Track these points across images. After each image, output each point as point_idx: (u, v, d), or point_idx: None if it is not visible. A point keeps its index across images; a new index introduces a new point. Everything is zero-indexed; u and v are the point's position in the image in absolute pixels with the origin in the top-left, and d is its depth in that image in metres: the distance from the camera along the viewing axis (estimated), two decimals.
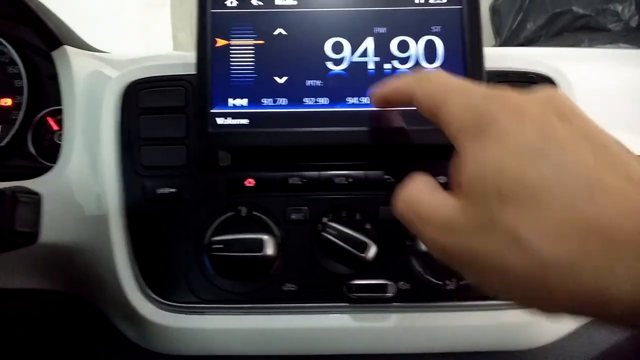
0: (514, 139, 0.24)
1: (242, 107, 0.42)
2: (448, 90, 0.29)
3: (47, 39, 0.47)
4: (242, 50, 0.43)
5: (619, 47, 1.72)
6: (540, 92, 0.26)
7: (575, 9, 1.95)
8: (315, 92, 0.42)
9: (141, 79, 0.44)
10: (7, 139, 0.56)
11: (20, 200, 0.32)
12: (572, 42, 1.94)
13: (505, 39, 1.98)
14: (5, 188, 0.32)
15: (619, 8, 1.83)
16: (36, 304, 0.46)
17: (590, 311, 0.21)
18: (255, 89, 0.42)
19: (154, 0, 2.51)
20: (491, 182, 0.23)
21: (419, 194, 0.28)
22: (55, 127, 0.59)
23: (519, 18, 1.98)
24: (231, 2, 0.43)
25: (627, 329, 0.41)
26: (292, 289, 0.41)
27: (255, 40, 0.43)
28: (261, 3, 0.43)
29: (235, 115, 0.42)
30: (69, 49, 0.47)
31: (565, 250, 0.21)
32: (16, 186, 0.32)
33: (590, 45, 1.84)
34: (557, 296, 0.22)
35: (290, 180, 0.42)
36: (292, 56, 0.42)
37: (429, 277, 0.41)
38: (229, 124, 0.42)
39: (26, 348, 0.46)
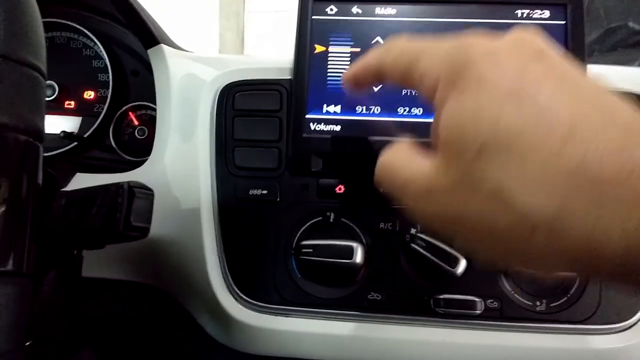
0: (489, 83, 0.22)
1: (335, 113, 0.43)
2: (417, 51, 0.27)
3: (144, 37, 0.49)
4: (339, 58, 0.43)
5: None
6: (511, 35, 0.25)
7: (631, 24, 1.89)
8: (409, 102, 0.42)
9: (237, 81, 0.45)
10: (90, 131, 0.58)
11: (137, 195, 0.32)
12: (626, 58, 1.89)
13: None
14: (122, 182, 0.33)
15: None
16: (122, 295, 0.47)
17: (581, 267, 0.20)
18: (349, 96, 0.43)
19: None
20: (468, 133, 0.22)
21: (397, 159, 0.27)
22: (136, 122, 0.60)
23: None
24: (331, 10, 0.44)
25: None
26: (377, 298, 0.41)
27: (352, 47, 0.43)
28: (360, 11, 0.43)
29: (328, 122, 0.43)
30: (165, 47, 0.49)
31: (550, 202, 0.20)
32: (132, 181, 0.33)
33: None
34: (546, 252, 0.20)
35: (381, 189, 0.42)
36: None
37: (518, 296, 0.41)
38: (323, 130, 0.42)
39: (111, 337, 0.48)
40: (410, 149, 0.27)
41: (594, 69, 0.48)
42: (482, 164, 0.21)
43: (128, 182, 0.33)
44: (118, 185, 0.32)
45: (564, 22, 0.42)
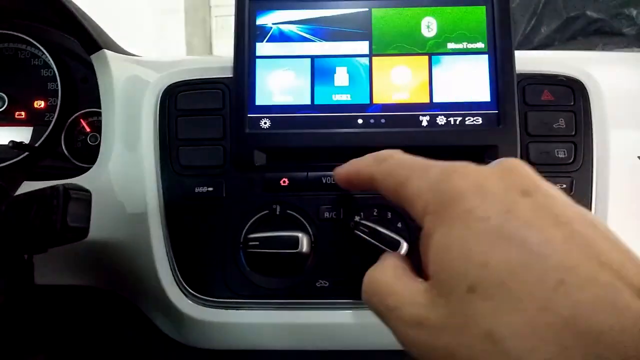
0: (478, 219, 0.22)
1: (278, 108, 0.44)
2: (407, 169, 0.28)
3: (86, 43, 0.49)
4: (279, 55, 0.44)
5: (634, 52, 1.72)
6: (500, 164, 0.25)
7: (589, 13, 1.95)
8: (343, 90, 0.44)
9: (179, 81, 0.46)
10: (40, 140, 0.58)
11: (73, 197, 0.33)
12: (586, 46, 1.94)
13: (519, 43, 1.98)
14: (58, 185, 0.33)
15: (634, 12, 1.82)
16: (74, 300, 0.47)
17: None
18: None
19: (169, 6, 2.55)
20: (458, 272, 0.22)
21: (386, 279, 0.26)
22: (87, 129, 0.60)
23: (532, 22, 1.98)
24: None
25: None
26: (325, 285, 0.43)
27: (293, 42, 0.44)
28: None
29: (270, 117, 0.44)
30: (107, 52, 0.49)
31: (544, 350, 0.19)
32: (68, 183, 0.34)
33: (604, 50, 1.84)
34: None
35: (324, 180, 0.43)
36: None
37: None
38: (264, 125, 0.43)
39: (65, 342, 0.48)
40: (399, 268, 0.27)
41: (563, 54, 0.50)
42: (472, 304, 0.21)
43: (64, 184, 0.33)
44: (54, 188, 0.33)
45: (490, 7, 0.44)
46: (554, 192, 0.23)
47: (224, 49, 2.76)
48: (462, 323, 0.21)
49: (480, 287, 0.21)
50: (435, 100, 0.43)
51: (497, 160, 0.26)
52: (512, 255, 0.21)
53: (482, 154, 0.43)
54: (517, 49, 0.45)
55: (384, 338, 0.43)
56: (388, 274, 0.27)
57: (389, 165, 0.29)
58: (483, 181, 0.24)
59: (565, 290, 0.19)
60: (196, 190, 0.43)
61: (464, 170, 0.25)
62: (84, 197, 0.34)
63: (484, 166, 0.25)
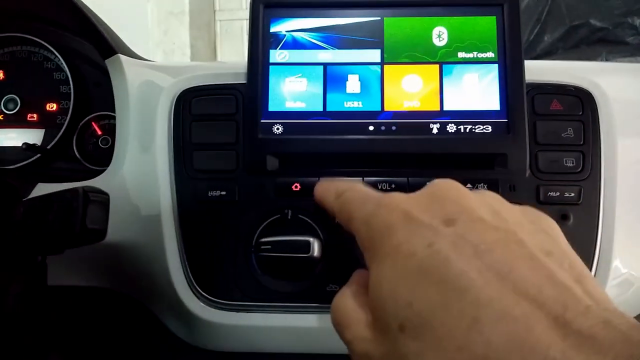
0: (404, 256, 0.23)
1: (290, 114, 0.44)
2: (352, 202, 0.29)
3: (101, 47, 0.50)
4: (292, 61, 0.45)
5: (638, 61, 1.73)
6: (429, 188, 0.26)
7: (593, 21, 1.96)
8: (355, 97, 0.45)
9: (193, 87, 0.46)
10: (52, 143, 0.59)
11: (92, 199, 0.34)
12: (590, 54, 1.95)
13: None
14: (77, 187, 0.34)
15: (637, 22, 1.84)
16: (87, 302, 0.48)
17: None
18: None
19: (174, 9, 2.56)
20: (389, 311, 0.23)
21: (345, 312, 0.28)
22: (99, 132, 0.61)
23: (536, 30, 1.99)
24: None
25: None
26: (335, 289, 0.43)
27: (306, 50, 0.45)
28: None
29: (283, 123, 0.44)
30: (122, 57, 0.50)
31: None
32: (87, 185, 0.34)
33: (607, 58, 1.85)
34: None
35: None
36: None
37: None
38: (277, 131, 0.44)
39: (77, 342, 0.48)
40: (359, 295, 0.28)
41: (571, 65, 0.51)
42: (403, 343, 0.22)
43: (83, 187, 0.34)
44: (73, 191, 0.34)
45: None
46: (480, 214, 0.24)
47: (227, 53, 2.78)
48: (398, 358, 0.22)
49: (408, 326, 0.22)
50: (445, 108, 0.44)
51: (429, 183, 0.27)
52: (433, 293, 0.21)
53: (491, 161, 0.43)
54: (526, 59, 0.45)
55: None
56: (347, 302, 0.28)
57: (342, 200, 0.31)
58: (410, 210, 0.25)
59: (479, 328, 0.20)
60: (209, 194, 0.44)
61: (391, 202, 0.26)
62: (103, 199, 0.34)
63: (415, 193, 0.26)
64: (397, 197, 0.26)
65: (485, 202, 0.25)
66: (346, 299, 0.29)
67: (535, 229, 0.25)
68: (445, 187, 0.26)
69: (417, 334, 0.21)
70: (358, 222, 0.28)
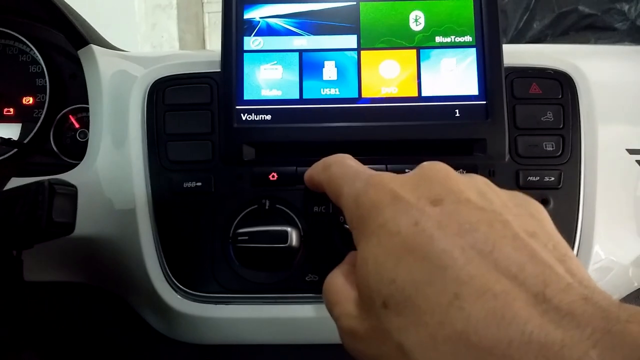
0: (389, 234, 0.24)
1: (266, 102, 0.44)
2: (343, 178, 0.30)
3: (74, 38, 0.49)
4: (266, 49, 0.44)
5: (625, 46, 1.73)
6: (418, 170, 0.26)
7: (581, 8, 1.95)
8: (332, 84, 0.44)
9: (167, 76, 0.45)
10: (29, 137, 0.58)
11: (58, 192, 0.33)
12: (579, 41, 1.94)
13: (512, 38, 1.98)
14: (43, 180, 0.33)
15: (625, 7, 1.83)
16: (63, 297, 0.47)
17: None
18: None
19: (161, 1, 2.53)
20: (373, 288, 0.24)
21: (336, 288, 0.29)
22: (76, 125, 0.60)
23: (525, 17, 1.99)
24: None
25: None
26: (315, 279, 0.43)
27: (281, 36, 0.44)
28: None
29: (259, 111, 0.43)
30: (94, 47, 0.49)
31: None
32: (53, 178, 0.33)
33: (596, 44, 1.85)
34: None
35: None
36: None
37: None
38: (253, 120, 0.43)
39: (54, 340, 0.48)
40: (345, 278, 0.29)
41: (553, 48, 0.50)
42: (387, 319, 0.23)
43: (49, 180, 0.33)
44: (39, 183, 0.33)
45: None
46: (467, 196, 0.24)
47: (217, 46, 2.75)
48: (381, 336, 0.23)
49: (391, 303, 0.22)
50: (423, 94, 0.43)
51: (419, 165, 0.27)
52: (416, 270, 0.22)
53: (470, 147, 0.43)
54: (510, 43, 0.45)
55: None
56: (339, 281, 0.29)
57: (331, 173, 0.31)
58: (398, 190, 0.25)
59: (459, 304, 0.20)
60: (185, 185, 0.43)
61: (380, 181, 0.26)
62: (70, 192, 0.34)
63: (404, 174, 0.27)
64: (386, 176, 0.27)
65: (473, 184, 0.25)
66: (337, 277, 0.29)
67: (521, 212, 0.25)
68: (435, 169, 0.26)
69: (399, 310, 0.22)
70: (347, 200, 0.28)
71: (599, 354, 0.17)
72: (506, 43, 0.44)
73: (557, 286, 0.20)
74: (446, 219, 0.23)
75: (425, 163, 0.27)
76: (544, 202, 0.42)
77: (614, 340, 0.17)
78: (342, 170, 0.31)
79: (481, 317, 0.19)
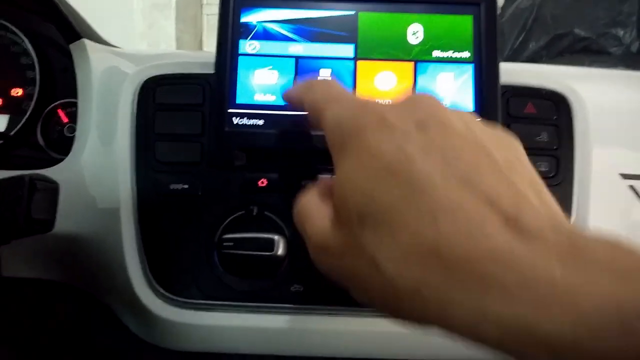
0: (371, 156, 0.24)
1: (259, 107, 0.43)
2: (328, 100, 0.29)
3: (66, 31, 0.48)
4: (262, 53, 0.43)
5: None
6: (405, 99, 0.26)
7: (577, 31, 1.98)
8: None
9: (159, 75, 0.45)
10: (16, 129, 0.56)
11: (38, 188, 0.32)
12: (573, 63, 1.96)
13: (507, 58, 2.00)
14: (23, 174, 0.32)
15: (621, 33, 1.86)
16: (42, 295, 0.46)
17: (455, 337, 0.21)
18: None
19: (159, 1, 2.53)
20: (349, 204, 0.24)
21: (308, 208, 0.29)
22: (65, 120, 0.59)
23: (521, 37, 2.01)
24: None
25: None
26: (300, 290, 0.42)
27: (277, 42, 0.44)
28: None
29: (251, 116, 0.43)
30: (87, 42, 0.48)
31: (410, 278, 0.21)
32: (34, 173, 0.32)
33: (590, 67, 1.87)
34: (416, 319, 0.22)
35: (303, 182, 0.42)
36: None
37: None
38: (245, 124, 0.43)
39: (31, 338, 0.46)
40: (320, 198, 0.29)
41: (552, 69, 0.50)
42: (363, 232, 0.23)
43: (30, 175, 0.32)
44: (18, 178, 0.32)
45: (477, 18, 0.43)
46: (453, 124, 0.24)
47: (214, 48, 2.74)
48: (355, 249, 0.24)
49: (368, 220, 0.23)
50: None
51: (408, 95, 0.27)
52: (396, 191, 0.22)
53: None
54: (505, 62, 0.45)
55: (357, 345, 0.42)
56: (312, 199, 0.29)
57: (314, 92, 0.31)
58: (385, 115, 0.25)
59: (434, 222, 0.21)
60: (171, 187, 0.42)
61: (367, 105, 0.26)
62: (50, 188, 0.33)
63: (391, 102, 0.27)
64: (373, 102, 0.27)
65: (459, 116, 0.26)
66: (311, 196, 0.29)
67: (503, 145, 0.25)
68: (423, 98, 0.26)
69: (375, 227, 0.23)
70: (330, 121, 0.28)
71: (562, 267, 0.18)
72: (502, 61, 0.44)
73: (530, 214, 0.21)
74: (430, 145, 0.23)
75: (415, 93, 0.27)
76: None
77: (577, 254, 0.18)
78: (327, 91, 0.30)
79: (452, 233, 0.20)
